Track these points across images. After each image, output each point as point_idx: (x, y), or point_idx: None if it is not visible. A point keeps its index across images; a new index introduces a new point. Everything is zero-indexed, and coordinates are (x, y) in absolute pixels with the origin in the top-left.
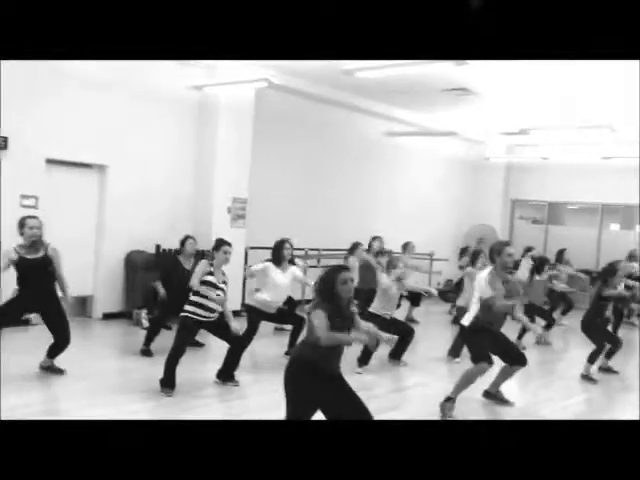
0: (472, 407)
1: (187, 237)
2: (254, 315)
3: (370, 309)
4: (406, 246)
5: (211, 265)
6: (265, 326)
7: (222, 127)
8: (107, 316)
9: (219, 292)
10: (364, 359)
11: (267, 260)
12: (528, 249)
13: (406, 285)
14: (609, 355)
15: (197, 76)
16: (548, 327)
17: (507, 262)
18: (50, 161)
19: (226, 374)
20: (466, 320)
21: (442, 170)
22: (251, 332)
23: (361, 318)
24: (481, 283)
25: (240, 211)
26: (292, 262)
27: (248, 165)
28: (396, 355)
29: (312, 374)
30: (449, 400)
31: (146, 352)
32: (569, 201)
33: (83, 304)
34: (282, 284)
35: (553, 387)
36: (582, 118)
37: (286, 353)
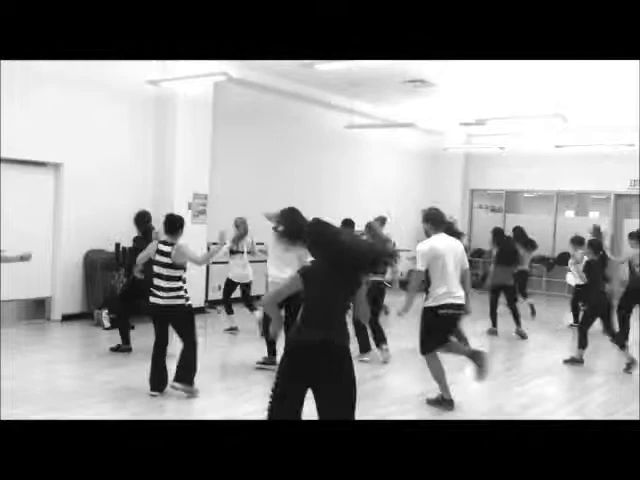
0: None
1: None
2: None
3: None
4: (383, 221)
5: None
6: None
7: (181, 122)
8: (67, 317)
9: None
10: (365, 346)
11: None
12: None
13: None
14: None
15: (153, 70)
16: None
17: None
18: (3, 160)
19: (186, 377)
20: (434, 301)
21: (402, 161)
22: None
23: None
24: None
25: (201, 207)
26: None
27: (208, 160)
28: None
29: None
30: (436, 400)
31: (125, 349)
32: (525, 189)
33: (41, 306)
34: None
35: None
36: (535, 108)
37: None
